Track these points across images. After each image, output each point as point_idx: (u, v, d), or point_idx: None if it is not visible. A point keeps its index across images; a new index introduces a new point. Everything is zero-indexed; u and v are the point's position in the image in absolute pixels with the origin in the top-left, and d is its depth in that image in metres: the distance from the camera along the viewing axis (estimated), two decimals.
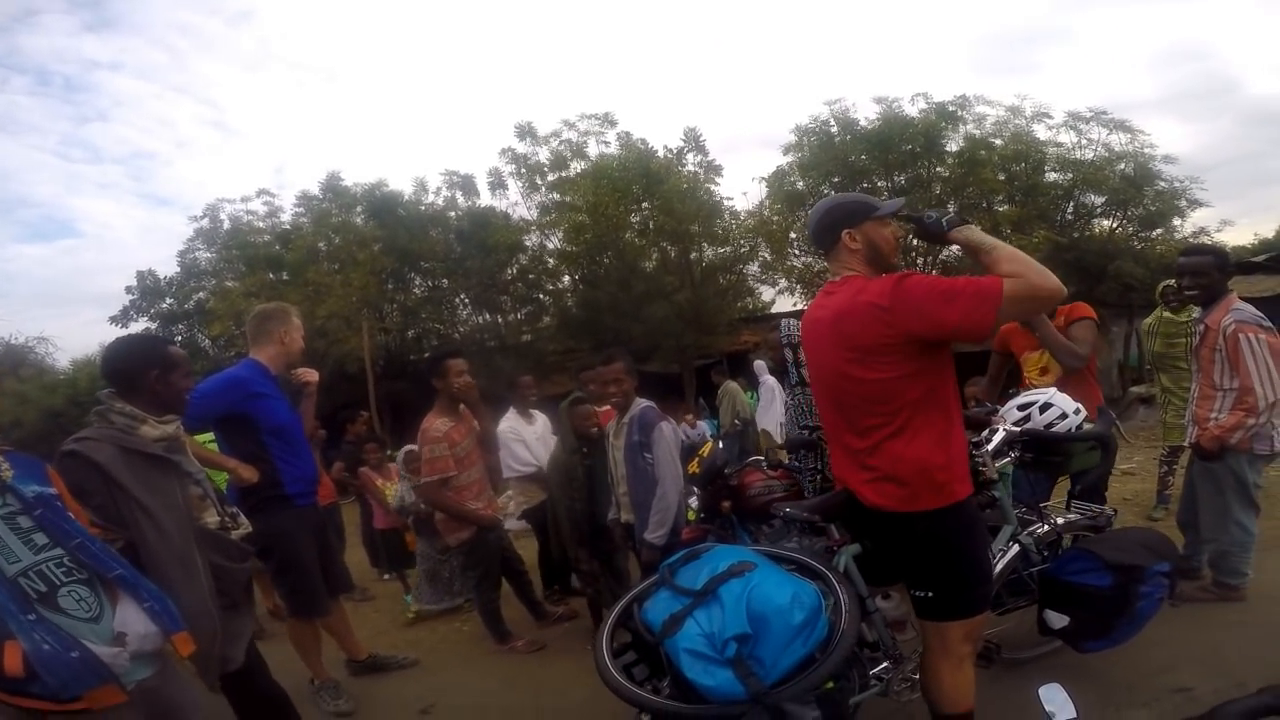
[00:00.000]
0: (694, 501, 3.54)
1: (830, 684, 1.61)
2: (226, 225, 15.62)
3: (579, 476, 3.55)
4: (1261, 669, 2.36)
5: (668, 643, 1.61)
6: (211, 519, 2.18)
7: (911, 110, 14.29)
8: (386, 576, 5.32)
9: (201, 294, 15.62)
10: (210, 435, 3.19)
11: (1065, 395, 2.31)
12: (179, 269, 15.95)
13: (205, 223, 15.70)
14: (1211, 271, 3.03)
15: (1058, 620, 2.30)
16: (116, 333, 15.87)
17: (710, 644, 1.55)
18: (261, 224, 15.75)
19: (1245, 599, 3.02)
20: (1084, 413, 2.22)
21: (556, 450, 3.80)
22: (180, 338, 15.76)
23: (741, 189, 18.74)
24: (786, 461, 3.37)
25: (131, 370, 2.05)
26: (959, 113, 14.22)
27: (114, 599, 1.69)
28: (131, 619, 1.67)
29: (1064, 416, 2.15)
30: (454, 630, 4.24)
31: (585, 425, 3.64)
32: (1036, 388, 3.11)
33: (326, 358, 12.96)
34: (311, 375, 3.22)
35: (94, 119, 42.14)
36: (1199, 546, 3.29)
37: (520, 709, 3.02)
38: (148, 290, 16.11)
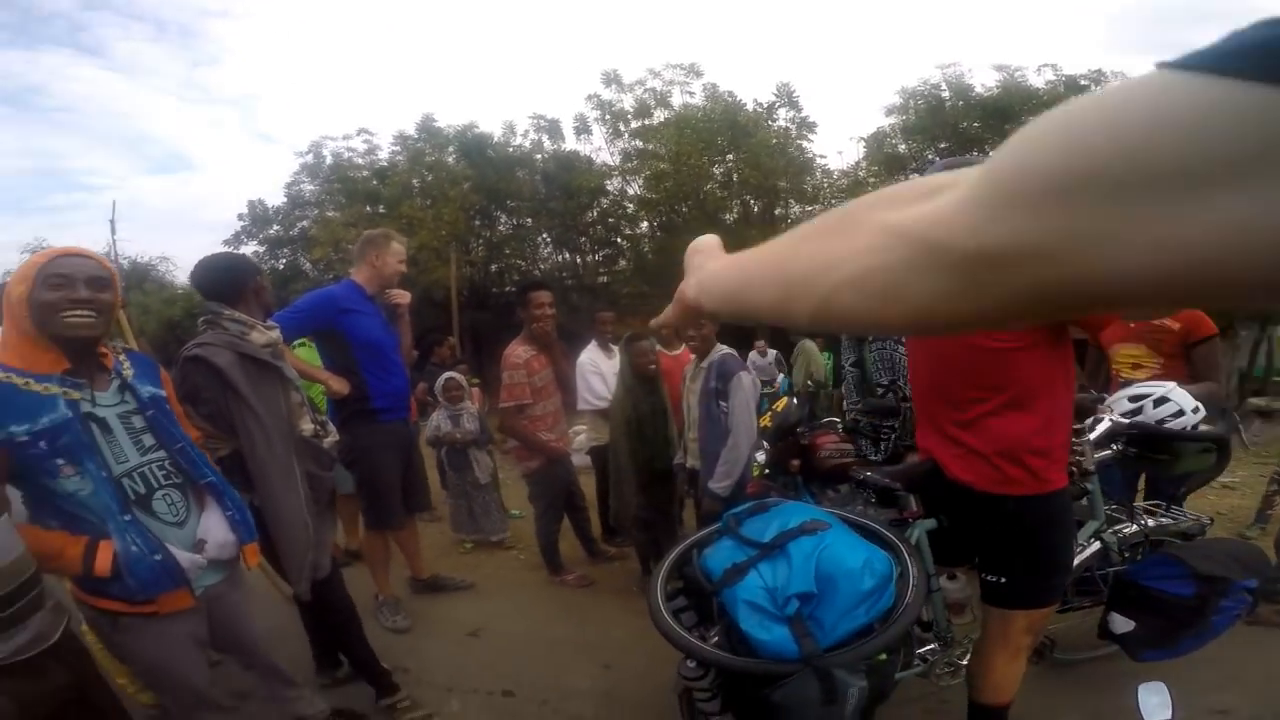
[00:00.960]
0: (761, 456, 3.53)
1: (883, 656, 1.59)
2: (329, 161, 16.41)
3: (632, 416, 3.46)
4: None
5: (726, 592, 1.58)
6: (307, 426, 2.20)
7: (1036, 81, 13.16)
8: (449, 500, 5.55)
9: (305, 223, 16.61)
10: (308, 345, 3.36)
11: (1185, 391, 2.12)
12: (285, 199, 16.96)
13: (309, 158, 16.53)
14: None
15: (1123, 624, 2.20)
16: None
17: (771, 599, 1.52)
18: (360, 160, 16.46)
19: None
20: (1202, 412, 2.04)
21: (617, 388, 3.73)
22: (285, 260, 16.91)
23: (837, 148, 17.75)
24: (861, 425, 3.29)
25: (236, 280, 2.12)
26: (1091, 87, 12.91)
27: (200, 505, 1.75)
28: (214, 526, 1.74)
29: (1180, 414, 1.97)
30: (511, 557, 4.38)
31: (643, 363, 3.49)
32: (1125, 382, 2.91)
33: (416, 285, 13.53)
34: (403, 297, 3.27)
35: (205, 63, 44.66)
36: None
37: (563, 640, 3.12)
38: (257, 218, 17.26)
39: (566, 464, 3.85)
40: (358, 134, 16.57)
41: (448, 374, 4.71)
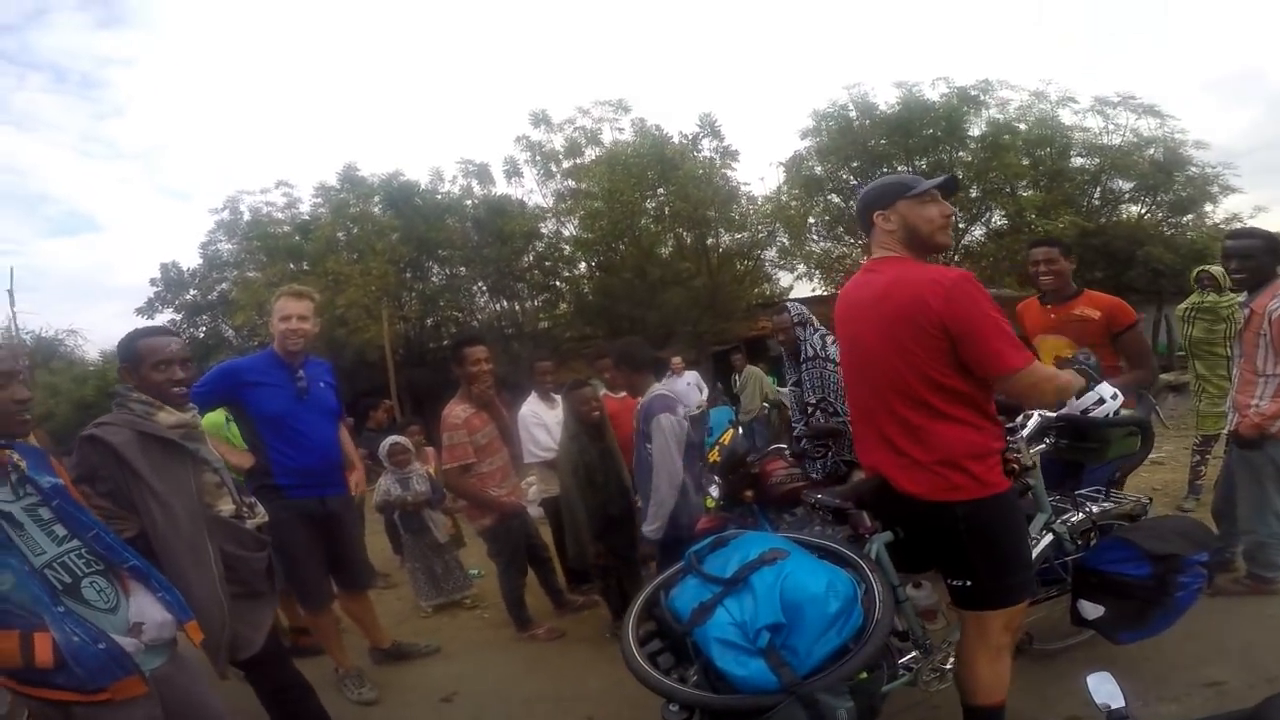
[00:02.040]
0: (714, 490, 3.52)
1: (864, 674, 1.58)
2: (246, 217, 15.83)
3: (580, 464, 3.41)
4: None
5: (697, 631, 1.58)
6: (227, 507, 2.18)
7: (932, 94, 14.15)
8: (405, 565, 5.33)
9: (224, 285, 15.89)
10: (220, 417, 3.17)
11: (1103, 380, 2.23)
12: (201, 260, 16.26)
13: (225, 214, 15.95)
14: (1260, 255, 2.91)
15: (1092, 610, 2.24)
16: (143, 324, 16.23)
17: (742, 633, 1.52)
18: (281, 215, 15.95)
19: (1279, 592, 2.94)
20: (1121, 398, 2.13)
21: (562, 436, 3.69)
22: (204, 328, 16.12)
23: (759, 174, 18.57)
24: (805, 448, 3.33)
25: (136, 361, 2.11)
26: (981, 97, 13.99)
27: (127, 589, 1.72)
28: (147, 609, 1.69)
29: (1101, 402, 2.05)
30: (474, 617, 4.24)
31: (586, 410, 3.45)
32: None
33: (347, 346, 13.13)
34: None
35: (110, 115, 42.73)
36: (1233, 538, 3.18)
37: (540, 696, 3.02)
38: (171, 282, 16.44)
39: (523, 518, 3.76)
40: (276, 187, 16.13)
41: (392, 439, 4.62)
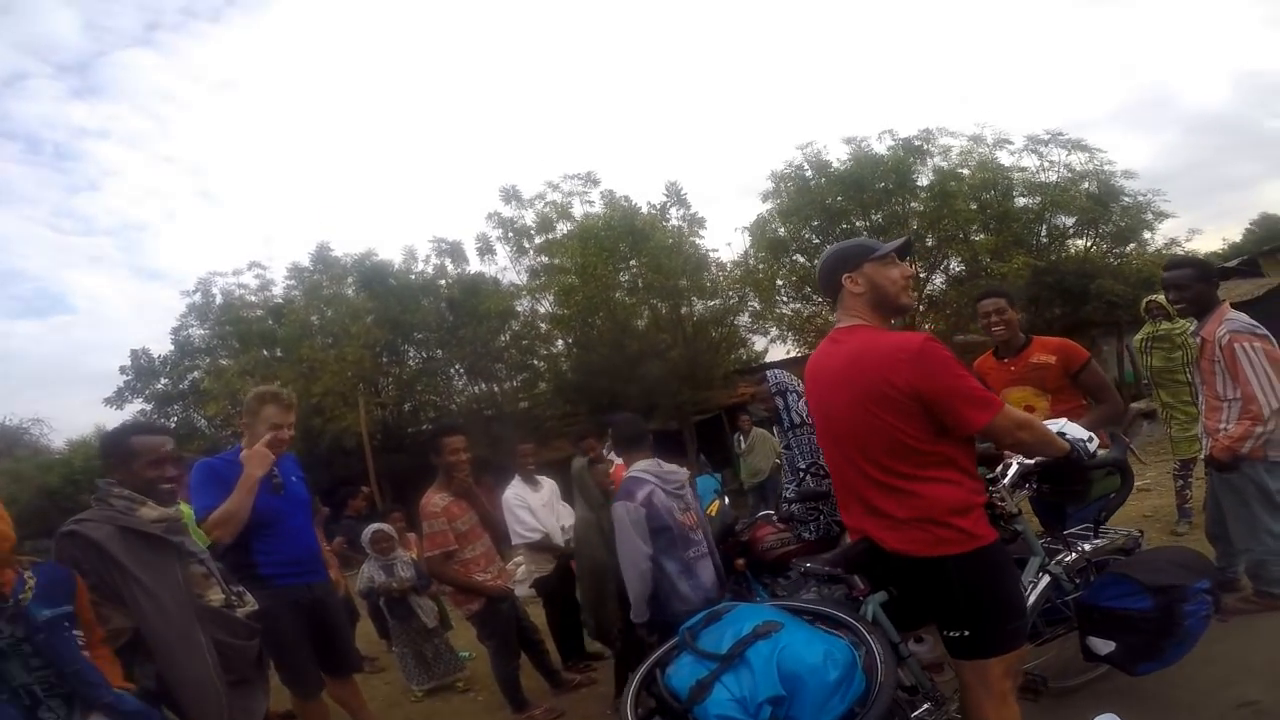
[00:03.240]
0: None
1: None
2: (219, 299, 15.79)
3: (609, 532, 3.28)
4: None
5: (697, 709, 1.55)
6: (216, 597, 2.21)
7: (880, 147, 14.83)
8: (394, 649, 5.15)
9: (196, 373, 15.64)
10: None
11: (1077, 424, 2.29)
12: (173, 346, 16.11)
13: (197, 297, 15.93)
14: (1193, 283, 3.04)
15: (1103, 646, 2.22)
16: (111, 415, 15.92)
17: (743, 709, 1.49)
18: (253, 297, 15.95)
19: None
20: (1096, 440, 2.20)
21: (581, 510, 3.74)
22: (176, 419, 15.73)
23: (725, 240, 19.14)
24: (795, 512, 3.30)
25: (121, 459, 2.17)
26: (925, 146, 14.72)
27: (85, 714, 1.75)
28: None
29: (1081, 445, 2.12)
30: (468, 700, 4.14)
31: (606, 482, 3.62)
32: None
33: (323, 435, 12.88)
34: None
35: (84, 188, 42.86)
36: (1233, 558, 3.19)
37: None
38: (142, 370, 16.16)
39: (511, 600, 3.73)
40: (249, 268, 16.20)
41: (374, 527, 4.65)
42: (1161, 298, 4.46)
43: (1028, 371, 3.16)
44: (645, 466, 2.89)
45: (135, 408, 15.71)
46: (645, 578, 2.70)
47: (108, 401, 16.01)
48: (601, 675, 3.99)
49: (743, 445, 8.91)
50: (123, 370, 16.16)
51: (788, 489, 3.53)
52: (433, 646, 4.37)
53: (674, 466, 2.96)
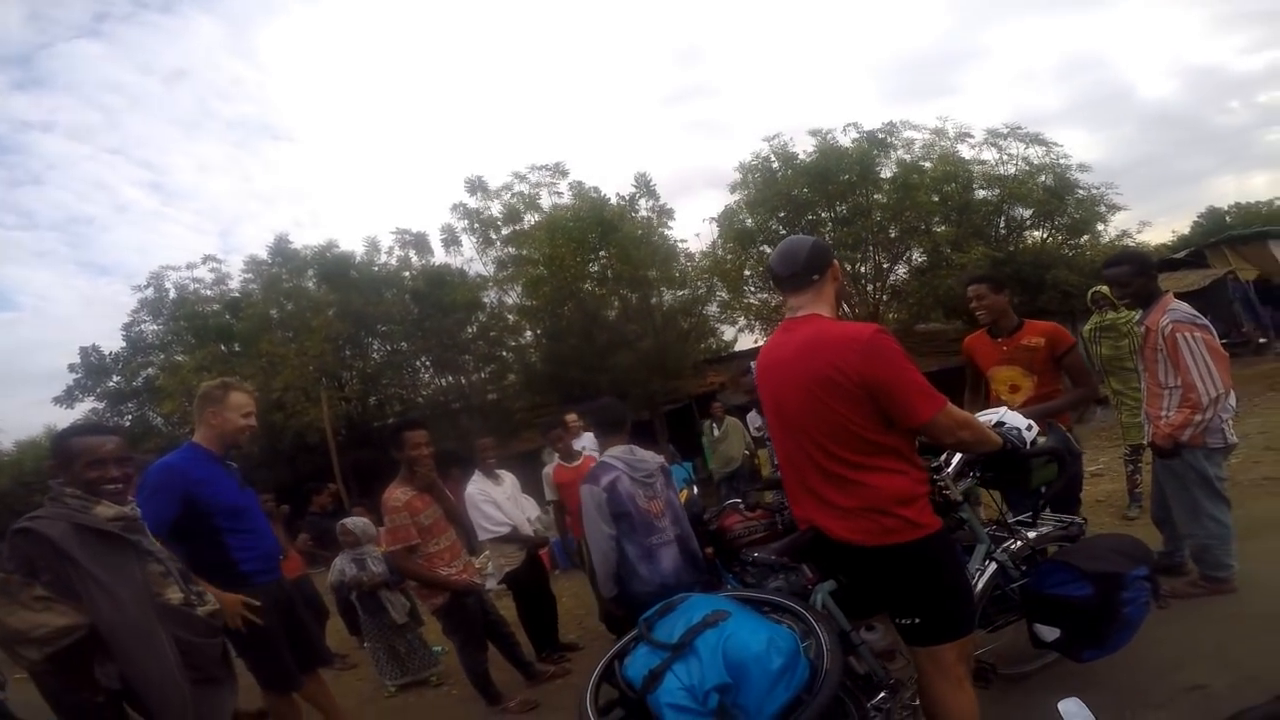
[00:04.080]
0: None
1: None
2: (172, 294, 15.23)
3: None
4: (1268, 659, 2.37)
5: (650, 698, 1.59)
6: (175, 596, 2.20)
7: (845, 140, 14.98)
8: (367, 645, 5.11)
9: (150, 370, 15.10)
10: None
11: (1016, 414, 2.35)
12: (125, 343, 15.49)
13: (150, 292, 15.33)
14: (1133, 278, 3.15)
15: (1049, 633, 2.29)
16: (61, 414, 15.34)
17: (692, 696, 1.53)
18: (209, 292, 15.46)
19: (1236, 589, 3.01)
20: (1035, 428, 2.27)
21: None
22: (131, 417, 15.19)
23: (694, 231, 19.10)
24: (769, 500, 3.34)
25: (65, 460, 2.15)
26: (888, 139, 14.95)
27: None
28: None
29: (1018, 434, 2.19)
30: (442, 695, 4.13)
31: None
32: (1005, 404, 3.16)
33: (286, 430, 12.58)
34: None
35: (27, 182, 40.91)
36: (1179, 542, 3.30)
37: None
38: (92, 368, 15.57)
39: (478, 594, 3.71)
40: (204, 262, 15.68)
41: (342, 521, 4.68)
42: (1106, 289, 4.62)
43: (1018, 352, 3.26)
44: (616, 453, 2.94)
45: (87, 407, 15.18)
46: (608, 557, 2.81)
47: (57, 400, 15.43)
48: (576, 665, 4.02)
49: (716, 433, 8.95)
50: (72, 368, 15.60)
51: (776, 474, 3.57)
52: (405, 642, 4.37)
53: (648, 454, 2.98)
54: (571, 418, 6.27)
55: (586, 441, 6.40)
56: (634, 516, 2.80)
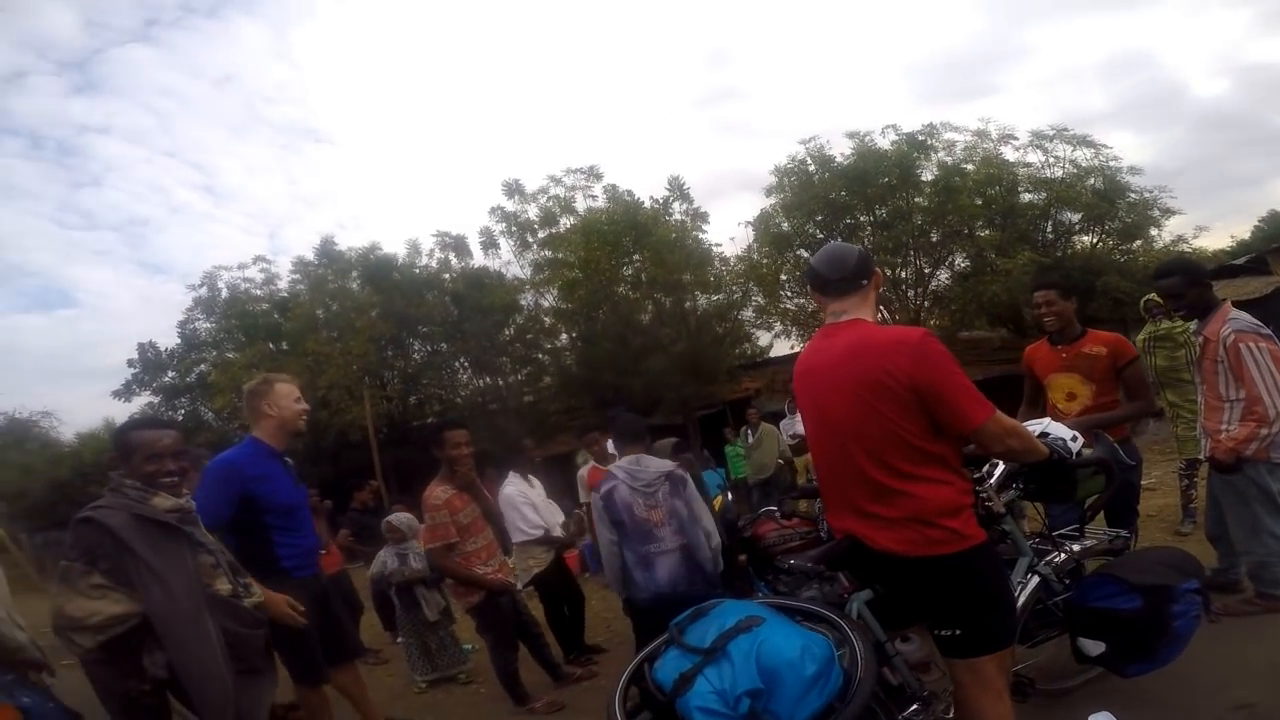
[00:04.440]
0: None
1: None
2: (224, 294, 15.86)
3: None
4: None
5: (680, 702, 1.59)
6: (224, 587, 2.26)
7: (883, 142, 14.71)
8: (400, 640, 5.22)
9: (203, 366, 15.76)
10: None
11: (1061, 424, 2.29)
12: (179, 340, 16.23)
13: (204, 291, 16.00)
14: (1186, 289, 3.04)
15: (1094, 647, 2.22)
16: (119, 407, 16.12)
17: (723, 701, 1.53)
18: (259, 291, 16.02)
19: None
20: (1081, 440, 2.20)
21: None
22: (184, 411, 15.89)
23: (729, 234, 19.01)
24: (803, 509, 3.31)
25: (124, 453, 2.23)
26: (929, 141, 14.59)
27: None
28: None
29: (1063, 445, 2.13)
30: (471, 692, 4.18)
31: None
32: (1060, 413, 3.07)
33: (329, 428, 12.96)
34: None
35: (87, 184, 43.10)
36: (1235, 559, 3.18)
37: None
38: (149, 363, 16.32)
39: (512, 594, 3.76)
40: (254, 263, 16.27)
41: (390, 516, 4.81)
42: (1159, 296, 4.45)
43: (1078, 360, 3.18)
44: (623, 463, 3.07)
45: (143, 400, 15.92)
46: (610, 560, 3.02)
47: (116, 394, 16.25)
48: (603, 668, 4.04)
49: (751, 439, 8.89)
50: (130, 363, 16.39)
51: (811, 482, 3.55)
52: (437, 638, 4.44)
53: (656, 463, 3.06)
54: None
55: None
56: (628, 524, 2.93)
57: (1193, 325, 3.20)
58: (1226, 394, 2.95)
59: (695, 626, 1.78)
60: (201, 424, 15.35)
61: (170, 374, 16.25)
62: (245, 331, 15.18)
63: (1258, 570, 3.00)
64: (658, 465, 3.06)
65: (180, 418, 15.55)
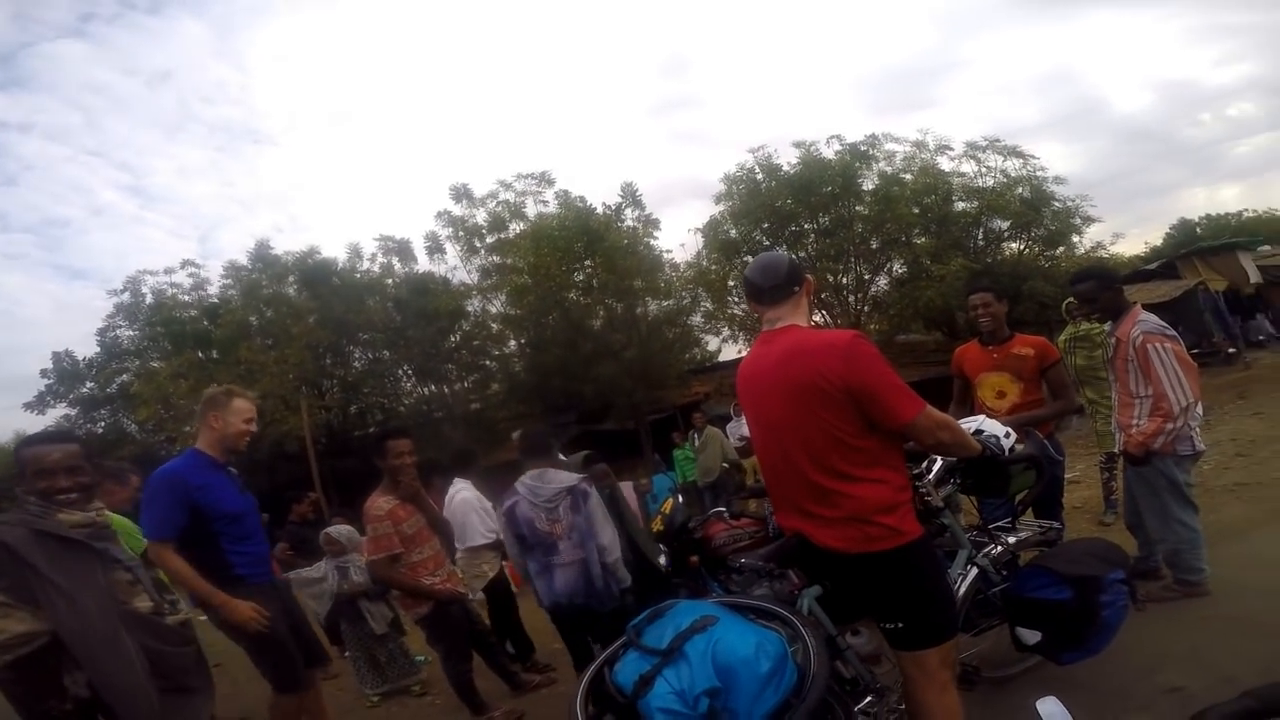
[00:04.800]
0: (663, 560, 3.50)
1: None
2: (149, 299, 14.90)
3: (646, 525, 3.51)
4: (1241, 661, 2.41)
5: (641, 703, 1.59)
6: (143, 604, 2.19)
7: (828, 152, 15.25)
8: (347, 654, 5.02)
9: (125, 376, 14.79)
10: (124, 521, 3.10)
11: (994, 421, 2.40)
12: (99, 349, 15.17)
13: (126, 297, 14.99)
14: (1099, 293, 3.26)
15: (1030, 636, 2.32)
16: (32, 420, 15.01)
17: (683, 701, 1.54)
18: (187, 298, 15.13)
19: (1209, 593, 3.07)
20: (1014, 436, 2.32)
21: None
22: (104, 424, 14.87)
23: (679, 241, 19.25)
24: (752, 509, 3.37)
25: (21, 468, 2.16)
26: (870, 151, 15.21)
27: None
28: None
29: (996, 441, 2.23)
30: (425, 704, 4.09)
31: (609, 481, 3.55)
32: (990, 411, 3.21)
33: (264, 439, 12.36)
34: None
35: (0, 183, 40.05)
36: (1152, 547, 3.36)
37: None
38: (65, 373, 15.21)
39: (462, 603, 3.67)
40: (181, 267, 15.36)
41: (328, 529, 4.62)
42: None
43: (1008, 360, 3.34)
44: (527, 478, 3.12)
45: (59, 413, 14.79)
46: (522, 571, 3.14)
47: (28, 406, 15.06)
48: (562, 675, 3.98)
49: (697, 442, 9.01)
50: (44, 374, 15.21)
51: (758, 483, 3.61)
52: (386, 651, 4.33)
53: (561, 477, 3.06)
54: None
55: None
56: (529, 538, 3.02)
57: (1107, 326, 3.41)
58: (1137, 391, 3.14)
59: (652, 628, 1.78)
60: (124, 436, 14.40)
61: (89, 384, 15.16)
62: (171, 339, 14.29)
63: (1172, 557, 3.17)
64: (561, 480, 3.06)
65: (100, 430, 14.54)
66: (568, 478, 3.07)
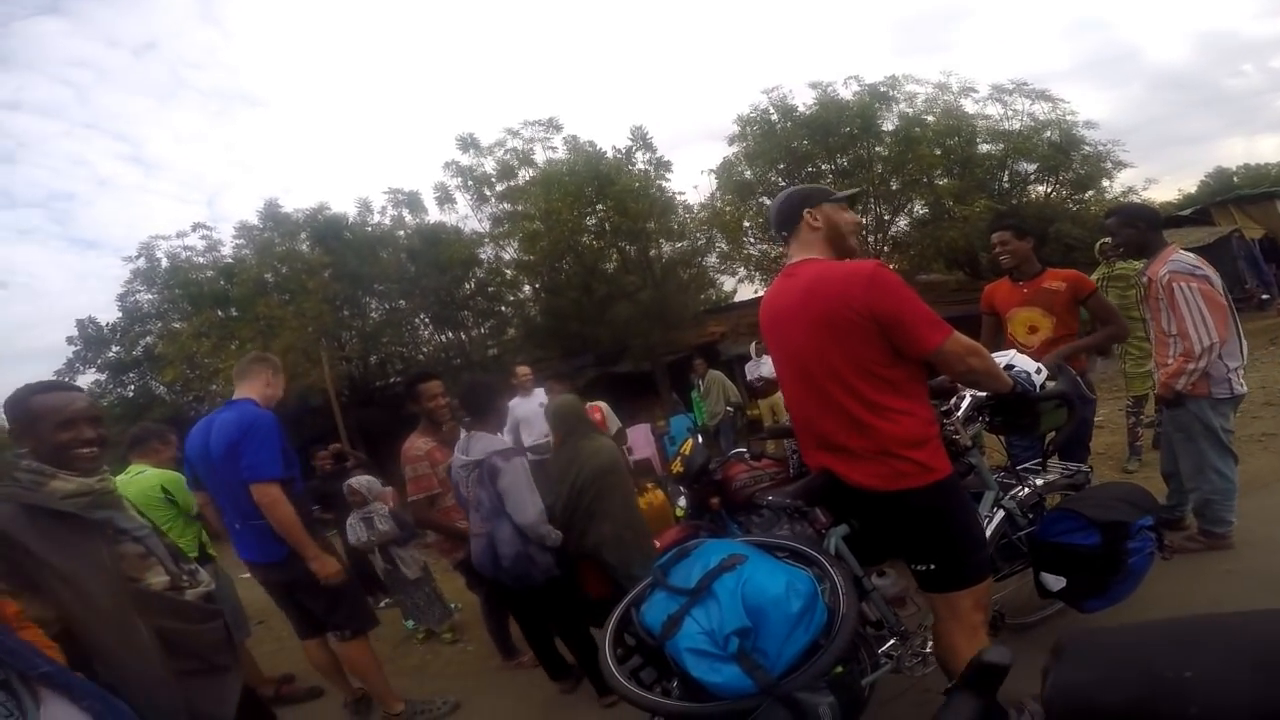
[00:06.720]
0: (683, 500, 3.52)
1: (839, 668, 1.59)
2: (164, 264, 14.93)
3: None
4: None
5: (669, 644, 1.59)
6: (158, 579, 1.93)
7: (845, 93, 14.62)
8: (384, 604, 5.18)
9: (149, 338, 14.99)
10: (156, 489, 3.28)
11: (1025, 356, 2.32)
12: (120, 314, 15.28)
13: (141, 262, 14.98)
14: (1121, 229, 3.19)
15: (1055, 582, 2.29)
16: None
17: (712, 641, 1.53)
18: (201, 259, 15.10)
19: (1234, 546, 3.02)
20: (1045, 372, 2.23)
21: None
22: (133, 387, 15.19)
23: (692, 183, 18.75)
24: (771, 450, 3.37)
25: (23, 423, 1.85)
26: (890, 93, 14.58)
27: (37, 698, 1.43)
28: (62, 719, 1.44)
29: (1027, 377, 2.16)
30: (458, 651, 4.19)
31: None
32: (1022, 346, 3.15)
33: (288, 392, 12.56)
34: None
35: (1, 159, 39.88)
36: (1183, 496, 3.30)
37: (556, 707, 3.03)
38: (90, 340, 15.42)
39: None
40: (194, 230, 15.27)
41: (349, 480, 4.60)
42: None
43: (1039, 294, 3.28)
44: (463, 439, 3.08)
45: (88, 379, 15.08)
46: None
47: (59, 374, 15.30)
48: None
49: (701, 388, 9.10)
50: (70, 341, 15.39)
51: (777, 423, 3.60)
52: (424, 594, 4.40)
53: (483, 446, 2.91)
54: (524, 370, 5.94)
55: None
56: (461, 498, 3.04)
57: (1140, 265, 3.30)
58: (1169, 329, 3.05)
59: (679, 567, 1.76)
60: (154, 398, 14.68)
61: (115, 349, 15.35)
62: (190, 300, 14.34)
63: (1202, 507, 3.10)
64: (481, 448, 2.91)
65: (130, 394, 14.85)
66: (489, 448, 2.91)
